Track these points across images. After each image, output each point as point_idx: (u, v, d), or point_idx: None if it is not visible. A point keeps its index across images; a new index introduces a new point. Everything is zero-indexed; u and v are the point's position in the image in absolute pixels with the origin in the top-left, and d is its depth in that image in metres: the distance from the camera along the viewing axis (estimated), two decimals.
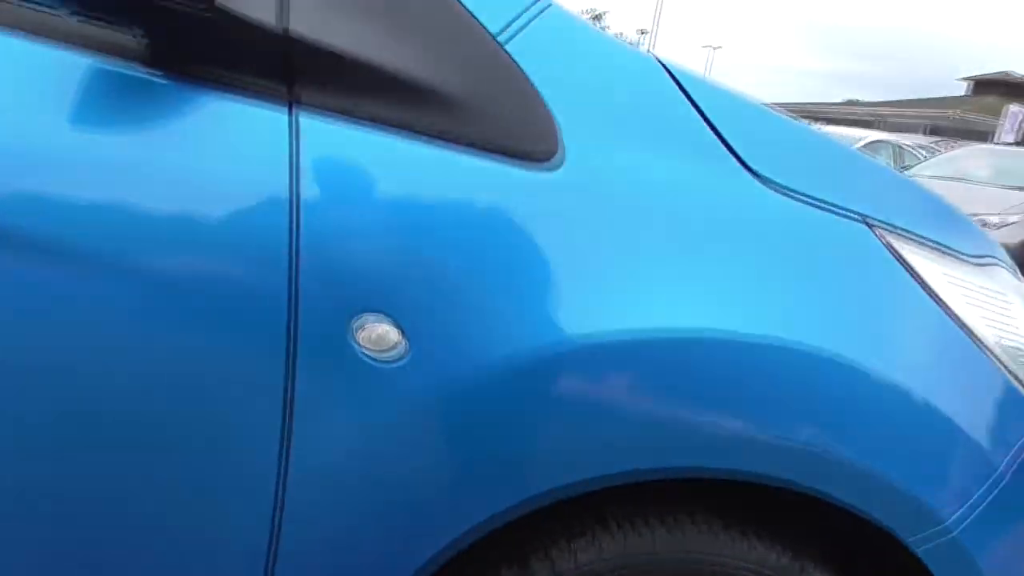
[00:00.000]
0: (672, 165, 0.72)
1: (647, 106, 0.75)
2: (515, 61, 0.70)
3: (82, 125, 0.63)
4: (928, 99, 32.43)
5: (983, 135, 24.59)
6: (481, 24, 0.70)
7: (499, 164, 0.68)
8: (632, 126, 0.73)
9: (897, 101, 31.27)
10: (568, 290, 0.67)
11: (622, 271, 0.68)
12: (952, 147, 13.21)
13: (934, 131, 24.65)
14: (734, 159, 0.74)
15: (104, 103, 0.63)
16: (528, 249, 0.67)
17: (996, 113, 24.58)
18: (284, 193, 0.64)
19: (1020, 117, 22.93)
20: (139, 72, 0.65)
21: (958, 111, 29.68)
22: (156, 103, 0.64)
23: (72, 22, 0.64)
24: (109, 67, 0.64)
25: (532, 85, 0.70)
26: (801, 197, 0.75)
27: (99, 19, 0.64)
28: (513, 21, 0.72)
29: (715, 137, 0.74)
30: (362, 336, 0.65)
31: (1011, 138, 22.42)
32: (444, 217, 0.67)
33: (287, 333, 0.65)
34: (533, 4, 0.73)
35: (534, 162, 0.68)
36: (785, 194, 0.74)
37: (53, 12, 0.63)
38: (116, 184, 0.63)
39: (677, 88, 0.76)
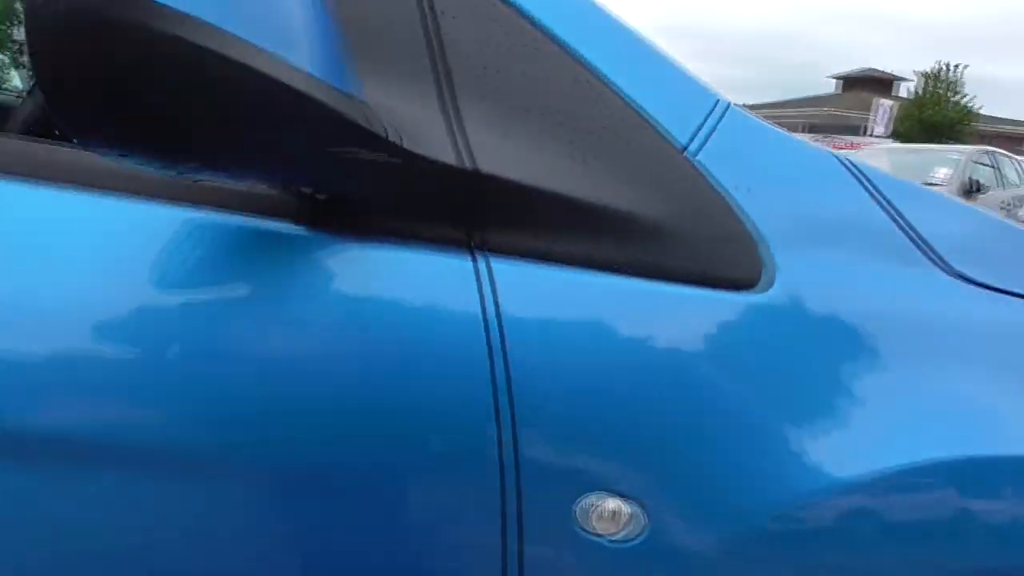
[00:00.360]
0: (877, 271, 0.66)
1: (840, 208, 0.68)
2: (707, 173, 0.62)
3: (247, 288, 0.55)
4: (803, 98, 34.35)
5: (856, 129, 26.19)
6: (669, 136, 0.62)
7: (713, 292, 0.60)
8: (831, 232, 0.66)
9: (775, 103, 32.93)
10: (819, 425, 0.59)
11: (871, 395, 0.61)
12: (835, 143, 14.04)
13: (812, 129, 26.09)
14: (937, 261, 0.68)
15: (260, 264, 0.55)
16: (762, 387, 0.59)
17: (866, 108, 26.27)
18: (483, 357, 0.55)
19: (887, 110, 24.57)
20: (293, 228, 0.54)
21: (832, 108, 31.55)
22: (309, 259, 0.54)
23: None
24: (262, 226, 0.54)
25: (729, 198, 0.62)
26: (1010, 294, 0.70)
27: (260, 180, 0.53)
28: (700, 128, 0.64)
29: (914, 238, 0.68)
30: (591, 515, 0.56)
31: (881, 130, 23.99)
32: (665, 363, 0.58)
33: (503, 518, 0.55)
34: (715, 105, 0.66)
35: (744, 285, 0.61)
36: (992, 290, 0.69)
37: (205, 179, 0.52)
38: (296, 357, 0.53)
39: (864, 185, 0.70)
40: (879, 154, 8.76)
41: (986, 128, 28.53)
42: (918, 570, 0.61)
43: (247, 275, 0.55)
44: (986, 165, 8.78)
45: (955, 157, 8.45)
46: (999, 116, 33.29)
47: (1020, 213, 8.42)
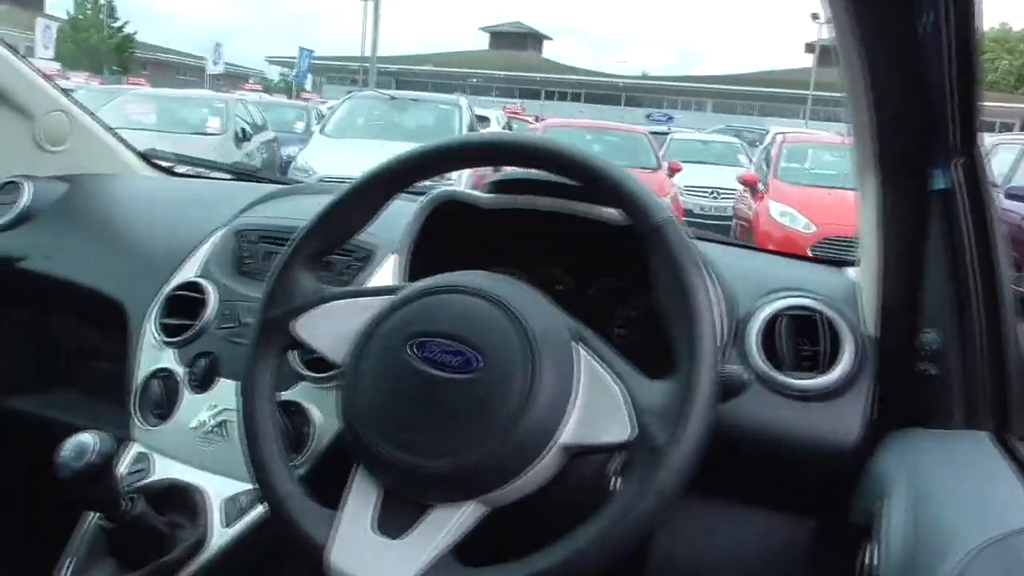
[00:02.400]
0: None
1: None
2: None
3: None
4: None
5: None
6: None
7: None
8: None
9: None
10: None
11: None
12: None
13: None
14: None
15: None
16: None
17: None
18: None
19: (51, 30, 23.73)
20: None
21: None
22: None
23: None
24: None
25: None
26: None
27: None
28: None
29: None
30: None
31: (47, 52, 23.20)
32: None
33: None
34: None
35: None
36: None
37: None
38: None
39: None
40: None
41: (146, 55, 30.39)
42: None
43: None
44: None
45: (219, 106, 9.09)
46: (155, 44, 35.61)
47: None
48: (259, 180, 1.54)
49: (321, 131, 8.36)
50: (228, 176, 1.68)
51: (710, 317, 0.57)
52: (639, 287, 0.86)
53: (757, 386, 0.77)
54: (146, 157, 1.50)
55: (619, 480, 0.73)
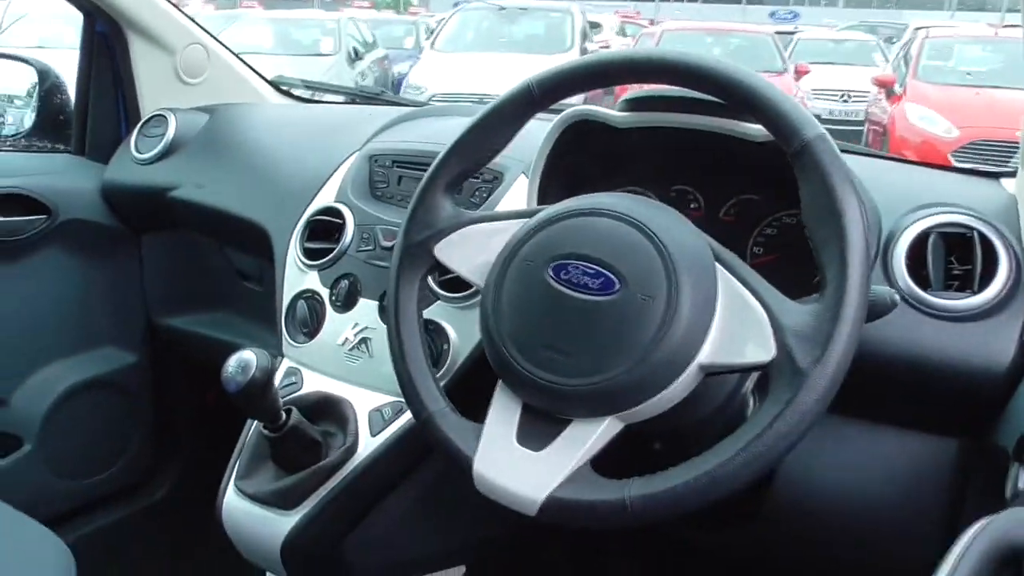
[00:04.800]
0: None
1: None
2: None
3: None
4: None
5: None
6: None
7: None
8: None
9: None
10: None
11: None
12: None
13: None
14: None
15: None
16: None
17: None
18: None
19: None
20: None
21: None
22: None
23: None
24: None
25: None
26: None
27: None
28: None
29: None
30: None
31: None
32: None
33: None
34: None
35: None
36: None
37: None
38: None
39: None
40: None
41: None
42: None
43: None
44: None
45: (331, 26, 9.07)
46: None
47: None
48: (384, 103, 1.57)
49: (431, 46, 8.34)
50: (351, 99, 1.72)
51: (863, 240, 0.55)
52: (776, 204, 0.83)
53: (904, 307, 0.74)
54: (275, 85, 1.56)
55: (757, 400, 0.73)
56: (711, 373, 0.59)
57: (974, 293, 0.73)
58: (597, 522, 0.59)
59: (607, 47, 10.72)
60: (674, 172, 0.88)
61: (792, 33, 12.35)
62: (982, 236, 0.74)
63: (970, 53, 7.18)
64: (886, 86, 7.08)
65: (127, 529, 1.38)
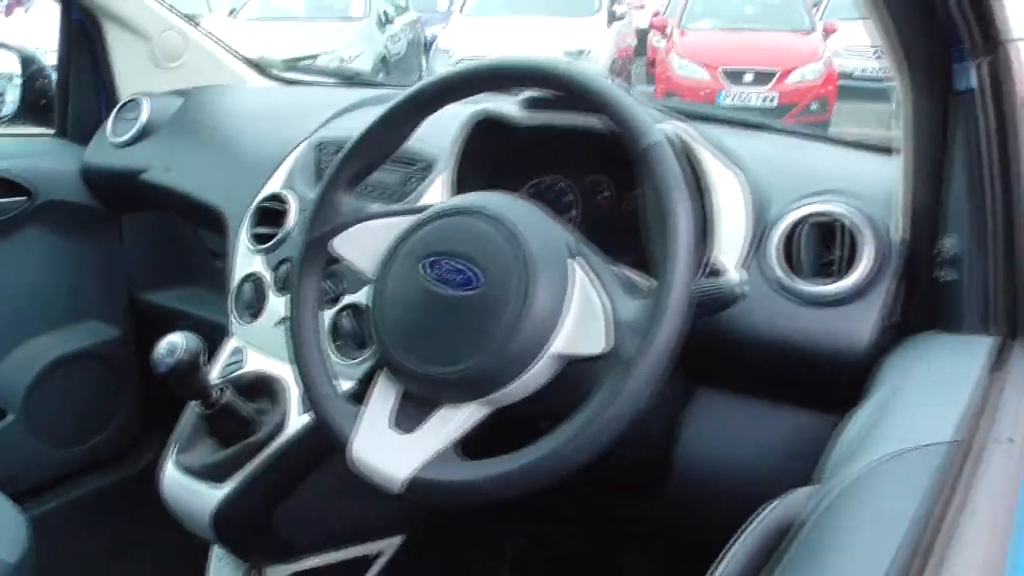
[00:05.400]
0: None
1: None
2: None
3: None
4: None
5: None
6: None
7: None
8: None
9: None
10: None
11: None
12: None
13: None
14: None
15: None
16: None
17: None
18: None
19: None
20: None
21: None
22: None
23: None
24: None
25: None
26: None
27: None
28: None
29: None
30: None
31: None
32: None
33: None
34: None
35: None
36: None
37: None
38: None
39: None
40: None
41: None
42: None
43: None
44: None
45: None
46: None
47: None
48: (362, 85, 1.60)
49: (460, 11, 8.28)
50: (334, 82, 1.75)
51: (687, 244, 0.58)
52: None
53: (772, 292, 0.77)
54: (257, 66, 1.60)
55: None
56: (568, 362, 0.63)
57: (838, 279, 0.75)
58: (453, 500, 0.63)
59: (641, 7, 10.50)
60: (587, 162, 0.91)
61: None
62: (851, 225, 0.76)
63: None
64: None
65: (112, 496, 1.46)
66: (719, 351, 0.79)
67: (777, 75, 7.02)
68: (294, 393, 0.94)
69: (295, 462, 0.92)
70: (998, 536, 0.44)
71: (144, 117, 1.35)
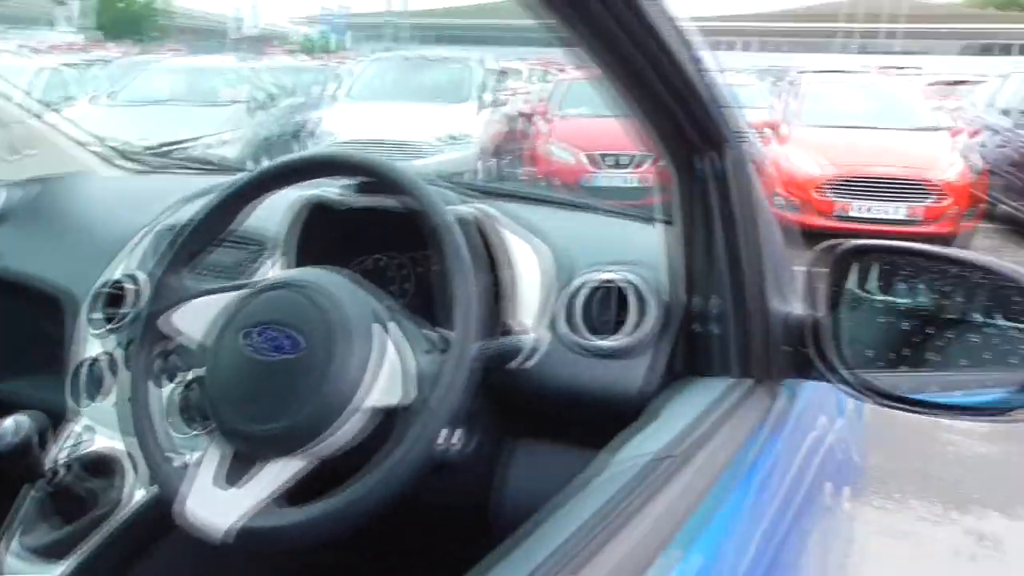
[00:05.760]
0: None
1: None
2: None
3: None
4: None
5: None
6: None
7: None
8: None
9: None
10: None
11: None
12: None
13: None
14: None
15: None
16: None
17: None
18: None
19: None
20: None
21: None
22: None
23: None
24: None
25: None
26: None
27: None
28: None
29: None
30: None
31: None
32: None
33: None
34: None
35: None
36: None
37: None
38: None
39: None
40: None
41: (183, 22, 30.50)
42: None
43: None
44: None
45: (232, 76, 9.21)
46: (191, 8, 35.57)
47: None
48: (218, 171, 1.67)
49: (344, 95, 8.56)
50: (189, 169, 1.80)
51: (467, 311, 0.69)
52: None
53: (572, 349, 0.89)
54: (120, 154, 1.64)
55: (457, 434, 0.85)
56: (382, 415, 0.71)
57: (617, 336, 0.88)
58: (272, 546, 0.70)
59: (520, 93, 11.05)
60: (410, 239, 1.01)
61: None
62: (629, 290, 0.89)
63: (842, 97, 7.71)
64: (771, 128, 7.53)
65: None
66: (533, 404, 0.90)
67: (636, 159, 7.48)
68: (136, 468, 0.98)
69: (136, 534, 0.95)
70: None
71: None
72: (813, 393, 0.97)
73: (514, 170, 8.38)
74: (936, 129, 7.00)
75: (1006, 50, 38.56)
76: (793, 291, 0.87)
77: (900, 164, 6.29)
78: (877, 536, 2.52)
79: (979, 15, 45.53)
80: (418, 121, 7.32)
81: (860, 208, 6.19)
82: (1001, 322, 0.75)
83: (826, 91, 7.81)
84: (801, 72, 9.01)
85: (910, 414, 0.77)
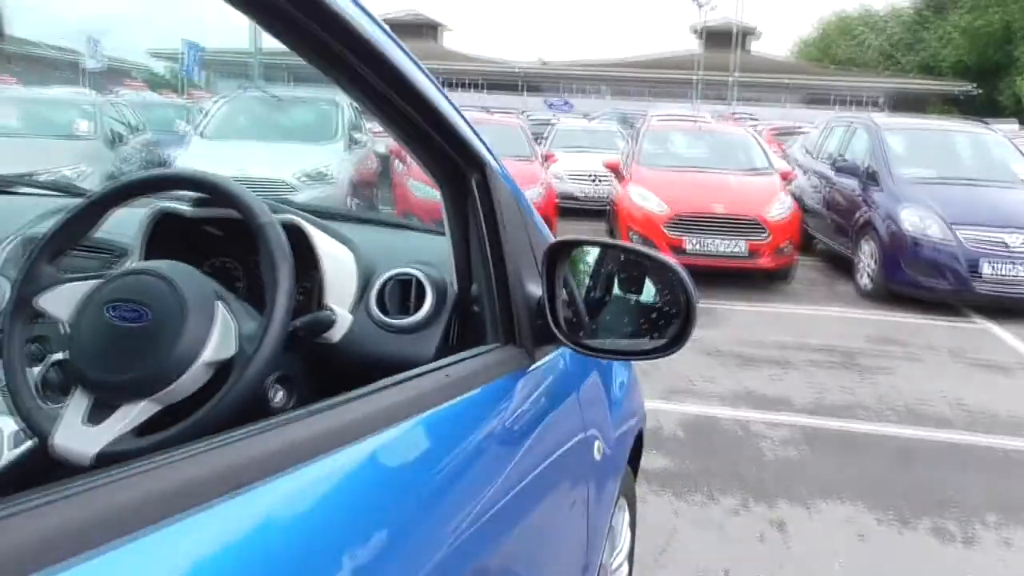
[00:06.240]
0: None
1: None
2: None
3: None
4: None
5: None
6: None
7: None
8: None
9: None
10: None
11: None
12: None
13: None
14: None
15: None
16: None
17: None
18: None
19: None
20: None
21: None
22: None
23: None
24: None
25: None
26: None
27: None
28: None
29: None
30: None
31: None
32: None
33: None
34: None
35: None
36: None
37: None
38: None
39: None
40: None
41: (17, 50, 28.60)
42: None
43: None
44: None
45: (89, 108, 9.01)
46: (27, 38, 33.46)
47: None
48: (71, 194, 1.80)
49: (200, 134, 8.33)
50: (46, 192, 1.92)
51: (284, 295, 0.91)
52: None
53: (374, 326, 1.13)
54: None
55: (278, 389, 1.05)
56: (217, 367, 0.92)
57: (414, 315, 1.13)
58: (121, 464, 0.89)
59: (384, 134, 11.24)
60: (244, 246, 1.23)
61: (551, 124, 13.73)
62: (418, 281, 1.15)
63: (681, 141, 8.44)
64: (614, 170, 8.13)
65: None
66: (348, 371, 1.12)
67: None
68: (4, 434, 1.12)
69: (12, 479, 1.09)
70: None
71: None
72: (571, 357, 1.25)
73: (384, 207, 8.55)
74: (767, 172, 7.78)
75: (837, 102, 42.61)
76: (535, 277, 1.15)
77: (732, 202, 6.95)
78: (690, 526, 2.89)
79: (812, 69, 50.14)
80: (280, 159, 7.30)
81: (695, 244, 6.79)
82: (652, 297, 1.08)
83: (664, 137, 8.54)
84: (644, 118, 9.76)
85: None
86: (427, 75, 0.94)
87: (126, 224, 1.18)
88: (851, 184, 7.63)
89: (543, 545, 1.18)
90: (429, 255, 1.21)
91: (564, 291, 1.10)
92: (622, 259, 1.18)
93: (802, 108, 39.21)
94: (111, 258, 1.26)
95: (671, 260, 1.07)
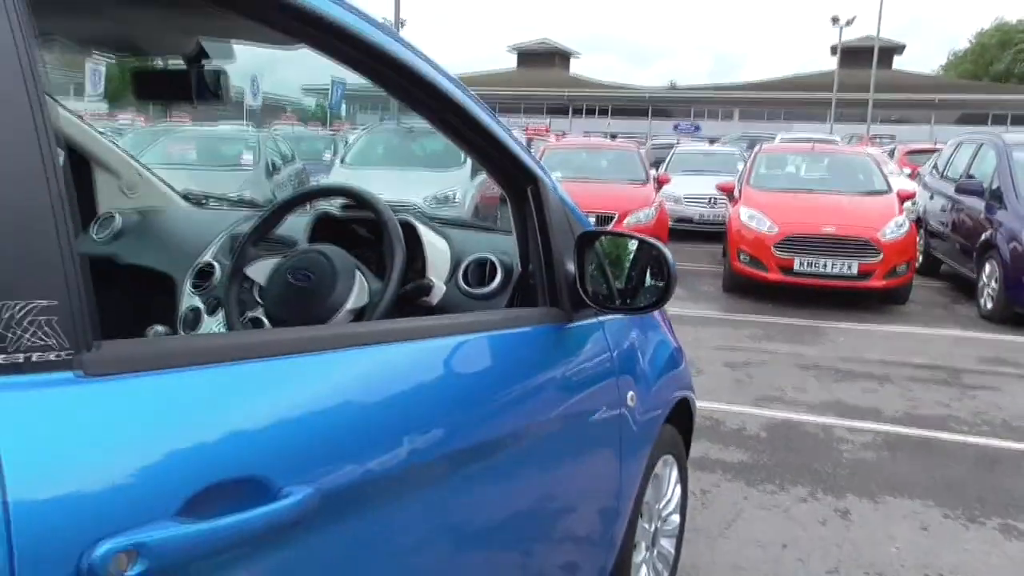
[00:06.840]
0: None
1: None
2: None
3: None
4: None
5: None
6: None
7: None
8: None
9: None
10: None
11: None
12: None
13: None
14: None
15: None
16: None
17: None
18: None
19: None
20: None
21: None
22: None
23: None
24: None
25: None
26: None
27: None
28: None
29: None
30: None
31: None
32: None
33: None
34: None
35: None
36: None
37: None
38: None
39: None
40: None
41: None
42: None
43: None
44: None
45: (252, 143, 10.19)
46: None
47: None
48: (251, 207, 2.44)
49: (341, 162, 9.35)
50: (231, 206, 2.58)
51: (399, 265, 1.44)
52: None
53: (458, 292, 1.62)
54: (185, 196, 2.41)
55: None
56: (356, 312, 1.45)
57: (488, 287, 1.62)
58: None
59: None
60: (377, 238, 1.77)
61: (671, 146, 14.03)
62: (493, 264, 1.63)
63: (795, 163, 8.57)
64: (727, 192, 8.36)
65: None
66: None
67: (615, 218, 8.29)
68: None
69: None
70: None
71: (117, 225, 2.12)
72: (609, 325, 1.70)
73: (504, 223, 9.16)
74: (884, 193, 7.79)
75: (996, 120, 40.03)
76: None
77: (843, 223, 7.04)
78: (758, 508, 3.20)
79: (965, 85, 47.31)
80: (411, 185, 8.05)
81: (804, 264, 6.94)
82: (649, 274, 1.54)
83: (778, 159, 8.69)
84: (764, 141, 9.90)
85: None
86: (491, 114, 1.44)
87: (294, 227, 1.74)
88: (975, 204, 7.52)
89: (576, 456, 1.63)
90: (501, 245, 1.71)
91: (596, 271, 1.58)
92: (631, 245, 1.63)
93: (955, 127, 37.21)
94: (286, 245, 1.84)
95: (654, 240, 1.53)
